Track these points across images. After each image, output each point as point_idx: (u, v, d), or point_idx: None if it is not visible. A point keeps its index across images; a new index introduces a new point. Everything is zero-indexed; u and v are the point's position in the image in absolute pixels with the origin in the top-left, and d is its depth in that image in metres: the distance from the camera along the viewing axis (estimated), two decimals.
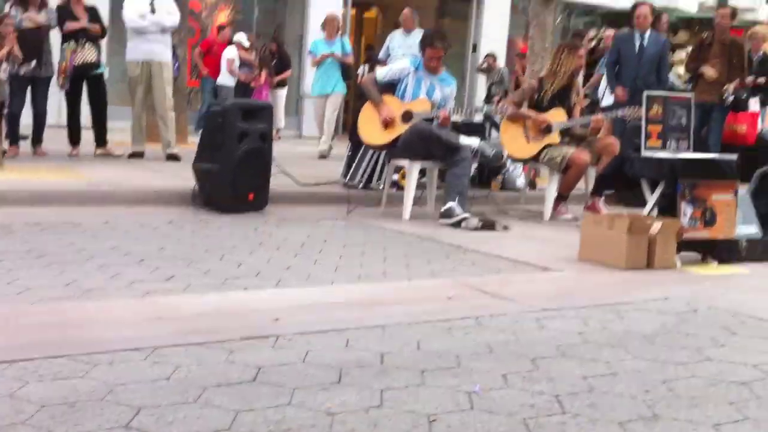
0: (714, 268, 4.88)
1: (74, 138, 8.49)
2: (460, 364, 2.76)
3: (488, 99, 14.12)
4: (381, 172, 7.20)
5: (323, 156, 10.19)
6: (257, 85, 12.69)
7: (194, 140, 7.82)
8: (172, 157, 8.32)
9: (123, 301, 3.41)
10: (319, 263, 4.50)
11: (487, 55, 15.35)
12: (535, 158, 6.96)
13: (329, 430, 2.17)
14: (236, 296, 3.60)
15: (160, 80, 8.40)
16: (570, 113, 7.02)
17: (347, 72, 10.79)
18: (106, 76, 8.88)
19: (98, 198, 6.06)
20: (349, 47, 10.89)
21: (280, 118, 12.80)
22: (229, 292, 3.67)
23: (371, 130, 6.60)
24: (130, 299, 3.46)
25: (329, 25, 10.72)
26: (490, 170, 7.83)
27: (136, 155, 8.45)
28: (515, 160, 7.52)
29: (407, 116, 6.52)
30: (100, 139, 8.59)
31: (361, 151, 7.30)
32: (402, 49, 9.92)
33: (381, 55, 10.57)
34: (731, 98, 9.15)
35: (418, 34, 9.70)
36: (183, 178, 6.73)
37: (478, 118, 8.33)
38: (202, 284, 3.81)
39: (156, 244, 4.76)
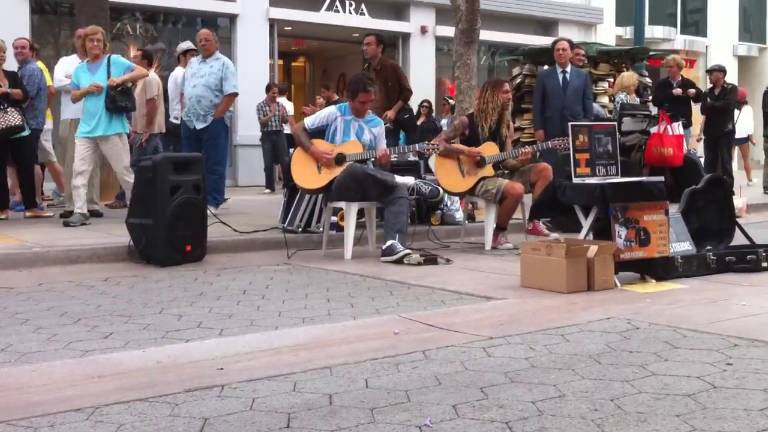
0: (652, 286, 4.97)
1: (2, 201, 8.30)
2: (410, 398, 2.74)
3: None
4: (320, 215, 7.17)
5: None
6: None
7: None
8: (94, 214, 8.30)
9: (62, 362, 3.30)
10: (262, 309, 4.44)
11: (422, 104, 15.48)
12: (472, 191, 7.05)
13: None
14: (178, 348, 3.52)
15: None
16: (502, 146, 7.15)
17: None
18: None
19: (30, 260, 5.89)
20: (123, 66, 7.65)
21: None
22: (170, 345, 3.59)
23: (305, 175, 6.60)
24: (69, 359, 3.35)
25: (87, 43, 7.58)
26: (428, 206, 7.88)
27: (69, 215, 8.28)
28: (452, 195, 7.59)
29: (340, 159, 6.54)
30: (30, 201, 8.46)
31: (297, 196, 7.27)
32: (195, 79, 8.73)
33: (180, 87, 9.13)
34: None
35: (214, 60, 8.83)
36: (117, 234, 6.60)
37: (411, 157, 8.39)
38: (142, 339, 3.72)
39: (93, 302, 4.65)
